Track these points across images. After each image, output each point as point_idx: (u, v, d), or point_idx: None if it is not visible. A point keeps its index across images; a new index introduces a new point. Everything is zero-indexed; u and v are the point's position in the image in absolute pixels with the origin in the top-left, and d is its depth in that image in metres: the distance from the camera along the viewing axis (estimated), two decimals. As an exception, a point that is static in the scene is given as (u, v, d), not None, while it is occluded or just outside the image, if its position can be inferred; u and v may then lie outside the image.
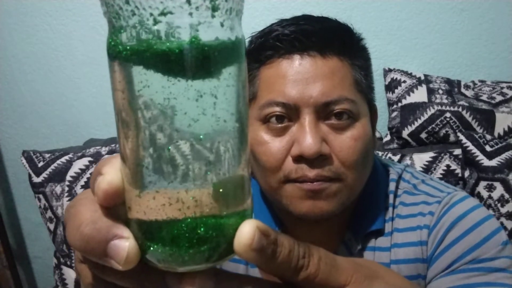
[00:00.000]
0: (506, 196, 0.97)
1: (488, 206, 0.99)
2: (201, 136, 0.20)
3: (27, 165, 1.18)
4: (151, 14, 0.18)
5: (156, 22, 0.19)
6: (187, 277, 0.21)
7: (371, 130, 0.58)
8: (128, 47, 0.19)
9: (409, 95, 1.15)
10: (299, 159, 0.52)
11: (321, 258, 0.23)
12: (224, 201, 0.21)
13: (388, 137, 1.18)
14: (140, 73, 0.19)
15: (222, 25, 0.20)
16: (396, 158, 1.08)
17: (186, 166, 0.20)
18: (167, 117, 0.19)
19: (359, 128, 0.54)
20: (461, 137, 1.05)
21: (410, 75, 1.19)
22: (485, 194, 0.99)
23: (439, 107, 1.09)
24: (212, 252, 0.21)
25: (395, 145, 1.15)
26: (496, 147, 1.01)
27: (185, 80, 0.19)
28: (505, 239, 0.55)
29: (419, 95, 1.13)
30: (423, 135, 1.11)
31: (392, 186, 0.63)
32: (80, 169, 1.13)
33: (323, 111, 0.53)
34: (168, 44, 0.19)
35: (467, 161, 1.03)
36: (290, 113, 0.53)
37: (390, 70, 1.21)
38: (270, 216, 0.64)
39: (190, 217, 0.20)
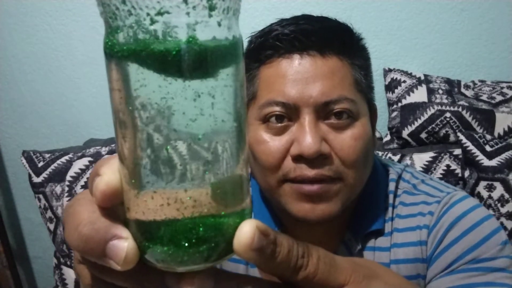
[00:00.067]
0: (506, 196, 0.97)
1: (488, 206, 0.99)
2: (200, 136, 0.20)
3: (27, 165, 1.18)
4: (148, 14, 0.18)
5: (153, 22, 0.19)
6: (186, 277, 0.21)
7: (371, 130, 0.58)
8: (125, 47, 0.19)
9: (409, 95, 1.15)
10: (299, 158, 0.52)
11: (320, 258, 0.23)
12: (223, 200, 0.21)
13: (388, 137, 1.18)
14: (137, 73, 0.19)
15: (219, 24, 0.20)
16: (396, 158, 1.08)
17: (184, 166, 0.20)
18: (164, 117, 0.19)
19: (359, 128, 0.54)
20: (461, 137, 1.05)
21: (410, 75, 1.19)
22: (485, 194, 0.99)
23: (439, 107, 1.09)
24: (211, 252, 0.21)
25: (395, 145, 1.15)
26: (496, 147, 1.01)
27: (183, 80, 0.19)
28: (504, 239, 0.55)
29: (419, 95, 1.13)
30: (423, 135, 1.11)
31: (392, 186, 0.63)
32: (80, 169, 1.13)
33: (323, 111, 0.53)
34: (165, 44, 0.19)
35: (467, 161, 1.03)
36: (289, 112, 0.53)
37: (390, 70, 1.21)
38: (269, 216, 0.64)
39: (189, 217, 0.20)
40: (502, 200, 0.98)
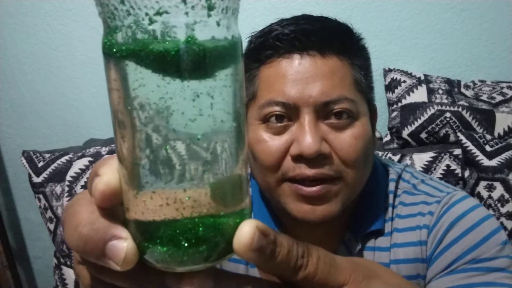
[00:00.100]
0: (506, 196, 0.97)
1: (488, 206, 0.99)
2: (199, 137, 0.20)
3: (27, 165, 1.18)
4: (147, 14, 0.18)
5: (151, 21, 0.18)
6: (186, 277, 0.21)
7: (371, 130, 0.58)
8: (123, 47, 0.19)
9: (409, 95, 1.15)
10: (299, 158, 0.52)
11: (320, 258, 0.23)
12: (222, 200, 0.21)
13: (388, 137, 1.18)
14: (136, 73, 0.19)
15: (218, 24, 0.19)
16: (396, 158, 1.08)
17: (183, 166, 0.20)
18: (163, 117, 0.19)
19: (359, 127, 0.54)
20: (461, 137, 1.05)
21: (410, 75, 1.19)
22: (485, 194, 0.99)
23: (439, 107, 1.09)
24: (210, 252, 0.21)
25: (395, 145, 1.15)
26: (496, 147, 1.01)
27: (182, 80, 0.19)
28: (504, 239, 0.55)
29: (419, 95, 1.13)
30: (423, 135, 1.11)
31: (391, 186, 0.63)
32: (80, 169, 1.13)
33: (323, 111, 0.53)
34: (164, 43, 0.18)
35: (467, 161, 1.03)
36: (289, 112, 0.53)
37: (390, 70, 1.21)
38: (269, 216, 0.64)
39: (188, 217, 0.20)
40: (502, 200, 0.98)
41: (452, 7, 1.19)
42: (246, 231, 0.21)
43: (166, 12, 0.18)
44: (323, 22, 0.57)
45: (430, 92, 1.13)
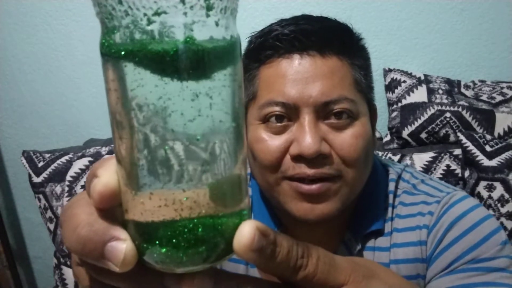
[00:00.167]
0: (506, 196, 0.97)
1: (488, 206, 0.99)
2: (198, 137, 0.19)
3: (27, 165, 1.18)
4: (145, 14, 0.18)
5: (150, 22, 0.18)
6: (185, 277, 0.21)
7: (371, 129, 0.58)
8: (122, 48, 0.19)
9: (409, 95, 1.15)
10: (299, 158, 0.52)
11: (320, 258, 0.23)
12: (221, 201, 0.21)
13: (388, 137, 1.18)
14: (134, 74, 0.19)
15: (217, 24, 0.19)
16: (396, 158, 1.08)
17: (182, 166, 0.20)
18: (162, 118, 0.19)
19: (359, 127, 0.54)
20: (461, 137, 1.05)
21: (410, 75, 1.19)
22: (485, 194, 0.99)
23: (439, 107, 1.09)
24: (210, 252, 0.21)
25: (395, 145, 1.15)
26: (496, 147, 1.01)
27: (180, 80, 0.19)
28: (504, 239, 0.55)
29: (419, 95, 1.13)
30: (423, 135, 1.11)
31: (391, 186, 0.63)
32: (80, 169, 1.13)
33: (323, 111, 0.53)
34: (162, 44, 0.18)
35: (467, 161, 1.03)
36: (289, 112, 0.53)
37: (390, 70, 1.21)
38: (269, 216, 0.64)
39: (188, 218, 0.20)
40: (502, 200, 0.98)
41: (452, 7, 1.19)
42: (246, 232, 0.21)
43: (165, 12, 0.18)
44: (323, 22, 0.57)
45: (430, 92, 1.13)
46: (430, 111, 1.10)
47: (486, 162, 0.99)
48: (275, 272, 0.23)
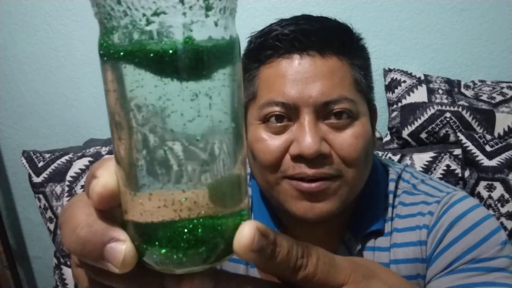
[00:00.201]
0: (506, 196, 0.97)
1: (488, 206, 0.99)
2: (198, 137, 0.19)
3: (27, 165, 1.18)
4: (144, 15, 0.18)
5: (149, 22, 0.18)
6: (185, 278, 0.21)
7: (371, 129, 0.58)
8: (120, 48, 0.19)
9: (409, 95, 1.15)
10: (299, 158, 0.52)
11: (320, 258, 0.23)
12: (221, 201, 0.21)
13: (388, 137, 1.18)
14: (133, 74, 0.19)
15: (216, 24, 0.19)
16: (396, 158, 1.08)
17: (182, 167, 0.20)
18: (161, 118, 0.19)
19: (359, 126, 0.54)
20: (461, 137, 1.05)
21: (410, 75, 1.19)
22: (485, 194, 0.99)
23: (439, 107, 1.09)
24: (210, 253, 0.20)
25: (395, 145, 1.15)
26: (496, 147, 1.01)
27: (180, 80, 0.19)
28: (504, 239, 0.55)
29: (419, 95, 1.13)
30: (423, 135, 1.11)
31: (391, 186, 0.63)
32: (80, 169, 1.13)
33: (323, 111, 0.53)
34: (162, 44, 0.18)
35: (467, 161, 1.03)
36: (289, 112, 0.53)
37: (390, 70, 1.21)
38: (269, 217, 0.64)
39: (187, 219, 0.20)
40: (502, 200, 0.98)
41: (452, 7, 1.19)
42: (246, 232, 0.20)
43: (164, 13, 0.18)
44: (323, 22, 0.57)
45: (430, 92, 1.13)
46: (430, 111, 1.10)
47: (486, 162, 0.99)
48: (275, 272, 0.23)
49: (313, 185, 0.52)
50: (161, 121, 0.19)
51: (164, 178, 0.20)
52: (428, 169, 1.05)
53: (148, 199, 0.20)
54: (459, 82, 1.18)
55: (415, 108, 1.12)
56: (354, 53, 0.56)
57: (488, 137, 1.04)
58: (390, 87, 1.19)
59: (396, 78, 1.18)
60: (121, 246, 0.20)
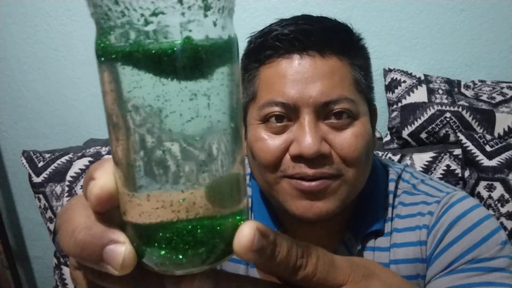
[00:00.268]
0: (506, 196, 0.97)
1: (488, 206, 0.99)
2: (197, 138, 0.19)
3: (27, 165, 1.18)
4: (142, 15, 0.18)
5: (147, 23, 0.18)
6: (185, 279, 0.21)
7: (371, 129, 0.58)
8: (118, 49, 0.18)
9: (409, 95, 1.15)
10: (299, 158, 0.52)
11: (319, 258, 0.23)
12: (220, 202, 0.21)
13: (388, 137, 1.18)
14: (131, 75, 0.18)
15: (214, 24, 0.19)
16: (396, 158, 1.08)
17: (180, 167, 0.19)
18: (160, 119, 0.19)
19: (359, 126, 0.54)
20: (461, 137, 1.05)
21: (410, 75, 1.19)
22: (485, 194, 0.99)
23: (439, 107, 1.09)
24: (209, 253, 0.20)
25: (395, 145, 1.15)
26: (496, 147, 1.01)
27: (178, 81, 0.18)
28: (504, 239, 0.55)
29: (419, 95, 1.13)
30: (423, 135, 1.11)
31: (391, 186, 0.63)
32: (80, 169, 1.13)
33: (323, 111, 0.53)
34: (160, 45, 0.18)
35: (467, 161, 1.03)
36: (289, 113, 0.53)
37: (390, 70, 1.21)
38: (269, 217, 0.64)
39: (186, 220, 0.20)
40: (502, 200, 0.98)
41: (452, 7, 1.19)
42: (246, 232, 0.20)
43: (162, 13, 0.18)
44: (323, 22, 0.57)
45: (430, 92, 1.13)
46: (430, 111, 1.10)
47: (486, 162, 0.99)
48: (275, 272, 0.23)
49: (313, 183, 0.52)
50: (159, 122, 0.19)
51: (163, 179, 0.19)
52: (428, 169, 1.05)
53: (147, 200, 0.20)
54: (459, 82, 1.18)
55: (415, 108, 1.12)
56: (354, 53, 0.56)
57: (488, 137, 1.04)
58: (390, 87, 1.19)
59: (396, 78, 1.18)
60: (120, 248, 0.20)
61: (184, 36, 0.18)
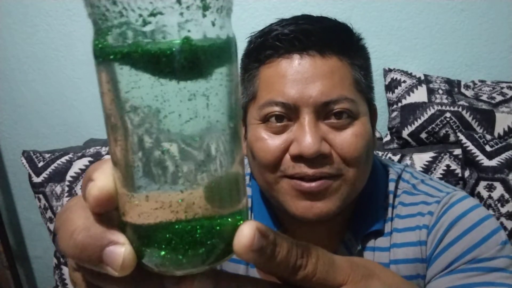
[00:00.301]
0: (506, 196, 0.97)
1: (488, 206, 0.99)
2: (196, 138, 0.19)
3: (27, 165, 1.18)
4: (141, 15, 0.18)
5: (145, 23, 0.18)
6: (185, 280, 0.21)
7: (371, 129, 0.58)
8: (116, 49, 0.18)
9: (409, 95, 1.15)
10: (299, 158, 0.52)
11: (319, 258, 0.23)
12: (220, 202, 0.20)
13: (388, 137, 1.18)
14: (130, 75, 0.18)
15: (213, 24, 0.19)
16: (396, 158, 1.08)
17: (179, 168, 0.19)
18: (158, 119, 0.19)
19: (359, 126, 0.54)
20: (461, 137, 1.05)
21: (410, 75, 1.18)
22: (485, 194, 0.99)
23: (439, 107, 1.09)
24: (209, 254, 0.20)
25: (395, 145, 1.15)
26: (496, 147, 1.01)
27: (177, 81, 0.18)
28: (504, 239, 0.55)
29: (419, 95, 1.13)
30: (423, 135, 1.11)
31: (391, 186, 0.63)
32: (80, 169, 1.13)
33: (323, 111, 0.53)
34: (159, 45, 0.18)
35: (467, 161, 1.03)
36: (289, 112, 0.53)
37: (390, 70, 1.21)
38: (269, 217, 0.64)
39: (186, 220, 0.20)
40: (502, 200, 0.98)
41: (452, 7, 1.19)
42: (246, 232, 0.20)
43: (161, 13, 0.18)
44: (323, 22, 0.57)
45: (430, 92, 1.13)
46: (430, 111, 1.10)
47: (486, 162, 0.99)
48: (275, 272, 0.23)
49: (313, 184, 0.52)
50: (158, 122, 0.19)
51: (163, 179, 0.19)
52: (428, 169, 1.05)
53: (147, 201, 0.20)
54: (459, 82, 1.18)
55: (415, 108, 1.12)
56: (354, 53, 0.56)
57: (488, 137, 1.04)
58: (390, 87, 1.19)
59: (396, 78, 1.18)
60: (120, 249, 0.20)
61: (183, 36, 0.18)
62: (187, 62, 0.18)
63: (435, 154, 1.07)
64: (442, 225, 0.57)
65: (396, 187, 0.63)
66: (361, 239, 0.60)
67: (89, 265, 0.21)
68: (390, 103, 1.20)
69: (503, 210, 0.98)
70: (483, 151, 1.01)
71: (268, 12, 1.23)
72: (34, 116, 1.40)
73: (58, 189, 1.14)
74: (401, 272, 0.57)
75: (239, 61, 0.61)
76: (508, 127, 1.08)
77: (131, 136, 0.19)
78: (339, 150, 0.53)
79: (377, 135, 1.19)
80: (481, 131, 1.08)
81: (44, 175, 1.16)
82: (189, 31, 0.18)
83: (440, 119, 1.09)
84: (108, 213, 0.22)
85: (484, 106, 1.10)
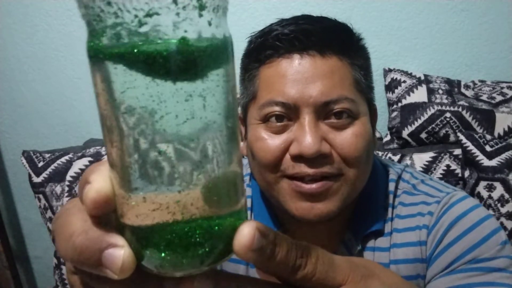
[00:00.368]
0: (506, 196, 0.97)
1: (488, 206, 0.99)
2: (193, 139, 0.19)
3: (27, 165, 1.18)
4: (136, 16, 0.18)
5: (141, 24, 0.18)
6: (185, 280, 0.21)
7: (371, 129, 0.58)
8: (111, 50, 0.18)
9: (409, 95, 1.15)
10: (299, 158, 0.52)
11: (319, 258, 0.23)
12: (218, 202, 0.20)
13: (388, 137, 1.18)
14: (125, 76, 0.18)
15: (209, 24, 0.19)
16: (396, 158, 1.08)
17: (176, 168, 0.19)
18: (154, 120, 0.18)
19: (359, 126, 0.54)
20: (461, 137, 1.05)
21: (410, 75, 1.18)
22: (485, 194, 0.99)
23: (439, 107, 1.09)
24: (209, 254, 0.20)
25: (395, 145, 1.15)
26: (496, 147, 1.01)
27: (174, 81, 0.18)
28: (504, 239, 0.55)
29: (419, 95, 1.13)
30: (423, 135, 1.11)
31: (391, 186, 0.63)
32: (80, 169, 1.13)
33: (323, 111, 0.53)
34: (155, 45, 0.18)
35: (467, 161, 1.03)
36: (289, 112, 0.53)
37: (390, 70, 1.21)
38: (269, 217, 0.64)
39: (184, 221, 0.20)
40: (502, 200, 0.98)
41: (452, 7, 1.19)
42: (246, 232, 0.20)
43: (157, 14, 0.18)
44: (323, 22, 0.57)
45: (430, 92, 1.13)
46: (430, 111, 1.10)
47: (486, 162, 0.99)
48: (275, 272, 0.23)
49: (314, 185, 0.52)
50: (154, 123, 0.18)
51: (160, 180, 0.19)
52: (428, 169, 1.05)
53: (145, 202, 0.19)
54: (459, 82, 1.18)
55: (415, 108, 1.12)
56: (354, 53, 0.56)
57: (488, 137, 1.04)
58: (390, 87, 1.19)
59: (396, 78, 1.18)
60: (119, 252, 0.20)
61: (179, 36, 0.18)
62: (184, 62, 0.18)
63: (435, 154, 1.07)
64: (442, 225, 0.57)
65: (396, 187, 0.63)
66: (361, 239, 0.60)
67: (88, 268, 0.21)
68: (390, 103, 1.20)
69: (503, 210, 0.97)
70: (483, 151, 1.01)
71: (268, 12, 1.23)
72: (34, 116, 1.40)
73: (58, 189, 1.14)
74: (401, 272, 0.57)
75: (239, 61, 0.61)
76: (508, 127, 1.08)
77: (127, 137, 0.19)
78: (339, 150, 0.53)
79: (377, 135, 1.19)
80: (481, 131, 1.08)
81: (44, 175, 1.16)
82: (185, 31, 0.18)
83: (440, 119, 1.09)
84: (106, 215, 0.21)
85: (484, 106, 1.10)
